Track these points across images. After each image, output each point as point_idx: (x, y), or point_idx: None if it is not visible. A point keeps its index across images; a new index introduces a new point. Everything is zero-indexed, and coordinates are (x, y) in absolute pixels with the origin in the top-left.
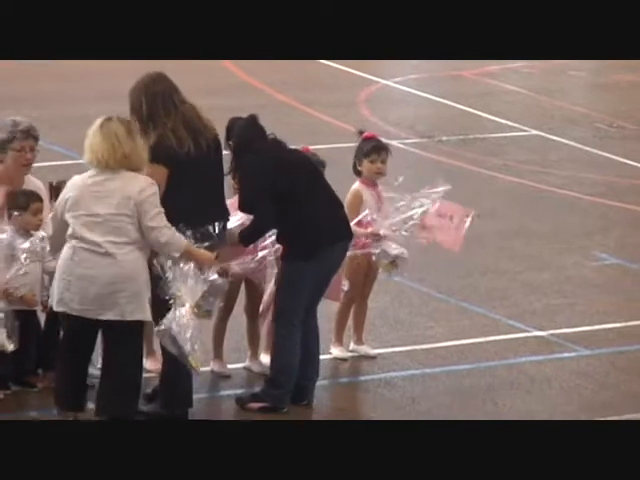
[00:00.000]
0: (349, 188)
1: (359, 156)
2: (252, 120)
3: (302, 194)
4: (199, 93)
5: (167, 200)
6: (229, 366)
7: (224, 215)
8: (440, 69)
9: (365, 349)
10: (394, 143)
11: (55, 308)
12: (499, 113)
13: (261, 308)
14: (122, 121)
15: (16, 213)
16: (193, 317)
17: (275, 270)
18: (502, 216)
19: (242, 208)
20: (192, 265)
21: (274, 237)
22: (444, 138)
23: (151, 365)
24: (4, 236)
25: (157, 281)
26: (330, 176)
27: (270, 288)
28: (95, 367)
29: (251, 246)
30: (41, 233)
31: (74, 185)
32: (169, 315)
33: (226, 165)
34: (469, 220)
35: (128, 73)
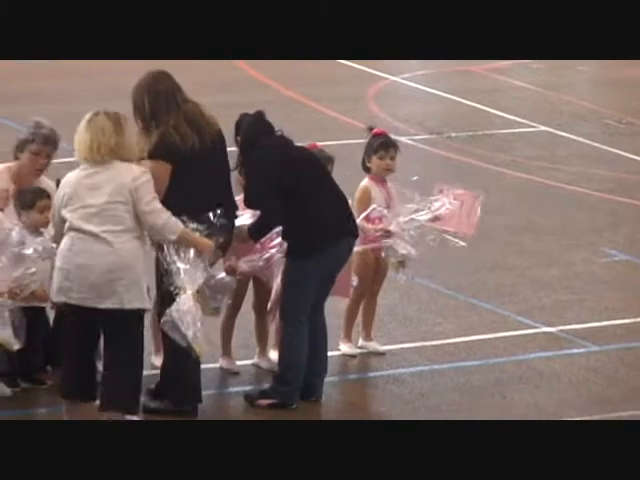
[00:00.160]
0: (358, 185)
1: (368, 152)
2: (259, 116)
3: (308, 191)
4: (208, 89)
5: (172, 196)
6: (238, 363)
7: (231, 209)
8: (448, 65)
9: (374, 345)
10: (403, 139)
11: (54, 298)
12: (507, 109)
13: (269, 305)
14: (109, 115)
15: (22, 211)
16: (194, 304)
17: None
18: (510, 212)
19: (248, 204)
20: (192, 252)
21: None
22: (453, 134)
23: (159, 362)
24: (13, 234)
25: (163, 277)
26: (338, 172)
27: (278, 285)
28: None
29: (259, 244)
30: (50, 230)
31: (68, 181)
32: (172, 304)
33: (233, 161)
34: (479, 203)
35: (130, 71)
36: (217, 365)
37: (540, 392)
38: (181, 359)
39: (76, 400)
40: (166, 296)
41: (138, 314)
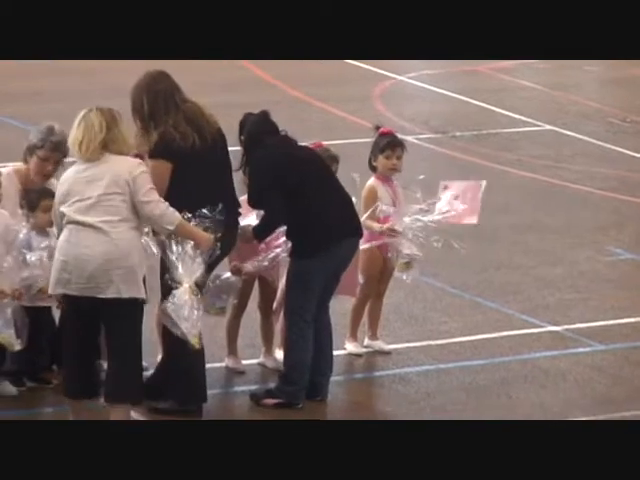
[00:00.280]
0: (364, 184)
1: (375, 152)
2: (263, 116)
3: (312, 191)
4: (214, 89)
5: (172, 194)
6: (243, 362)
7: (233, 206)
8: (454, 65)
9: (379, 344)
10: (409, 138)
11: (52, 291)
12: (513, 108)
13: (275, 305)
14: (102, 111)
15: (29, 212)
16: (189, 297)
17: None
18: (515, 211)
19: (252, 203)
20: (190, 245)
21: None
22: (458, 133)
23: None
24: (20, 237)
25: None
26: (344, 172)
27: (283, 285)
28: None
29: (263, 244)
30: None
31: (66, 178)
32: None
33: (236, 161)
34: (482, 189)
35: (130, 70)
36: (223, 364)
37: (546, 391)
38: (186, 358)
39: (79, 398)
40: (166, 291)
41: (136, 303)
